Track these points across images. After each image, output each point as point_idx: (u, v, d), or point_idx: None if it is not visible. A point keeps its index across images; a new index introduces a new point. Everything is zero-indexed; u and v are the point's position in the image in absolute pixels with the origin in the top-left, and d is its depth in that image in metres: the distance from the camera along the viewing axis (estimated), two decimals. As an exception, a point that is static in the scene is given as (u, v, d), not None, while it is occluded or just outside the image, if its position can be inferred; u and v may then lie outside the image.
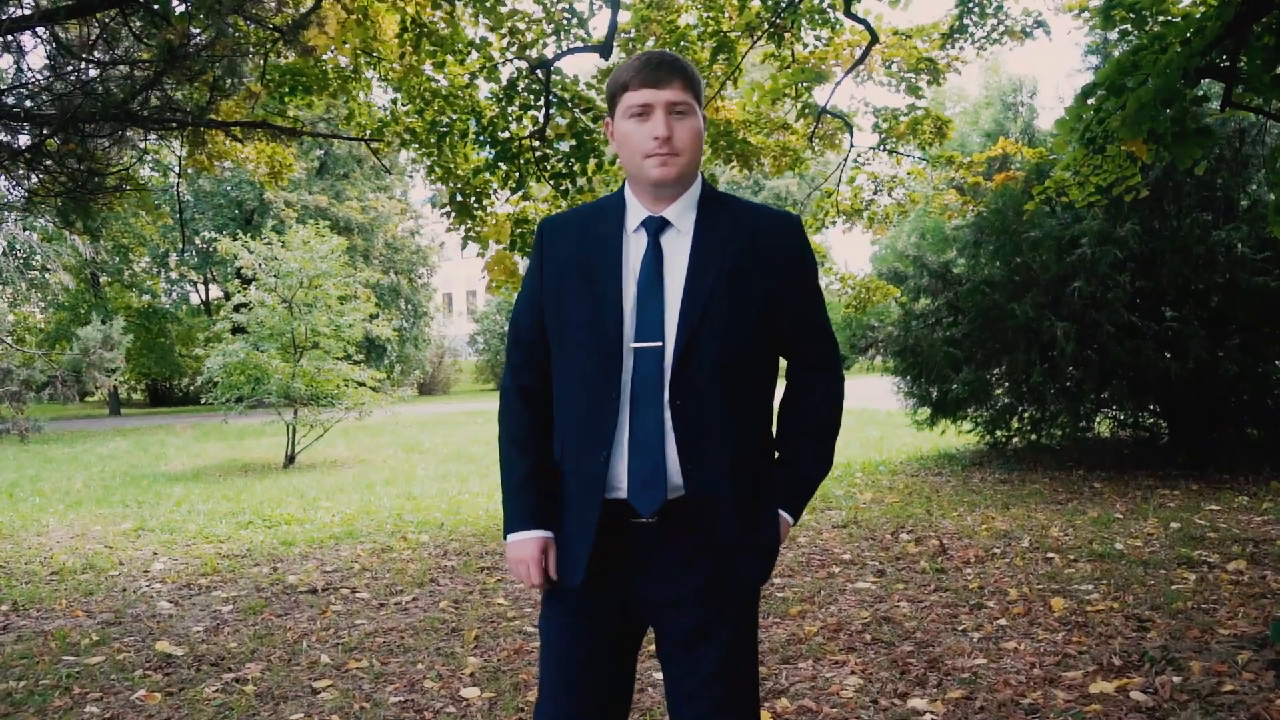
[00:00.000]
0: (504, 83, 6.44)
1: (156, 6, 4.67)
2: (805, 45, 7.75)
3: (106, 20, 4.92)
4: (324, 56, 6.62)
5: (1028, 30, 7.63)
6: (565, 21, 6.27)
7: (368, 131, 7.28)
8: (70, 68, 5.05)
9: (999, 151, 8.56)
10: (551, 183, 6.57)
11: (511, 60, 6.46)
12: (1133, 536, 5.31)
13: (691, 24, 7.11)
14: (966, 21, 7.64)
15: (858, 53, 8.15)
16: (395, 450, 12.89)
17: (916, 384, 8.71)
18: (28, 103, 5.13)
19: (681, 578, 1.66)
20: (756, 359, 1.69)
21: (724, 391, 1.63)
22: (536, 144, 6.54)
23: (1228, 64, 4.14)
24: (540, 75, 6.33)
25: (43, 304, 24.46)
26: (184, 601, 4.82)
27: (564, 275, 1.71)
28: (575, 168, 6.45)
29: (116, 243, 23.70)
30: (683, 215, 1.70)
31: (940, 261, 8.83)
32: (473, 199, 6.80)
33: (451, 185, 6.79)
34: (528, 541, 1.70)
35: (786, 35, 7.26)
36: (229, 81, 5.24)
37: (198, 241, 27.41)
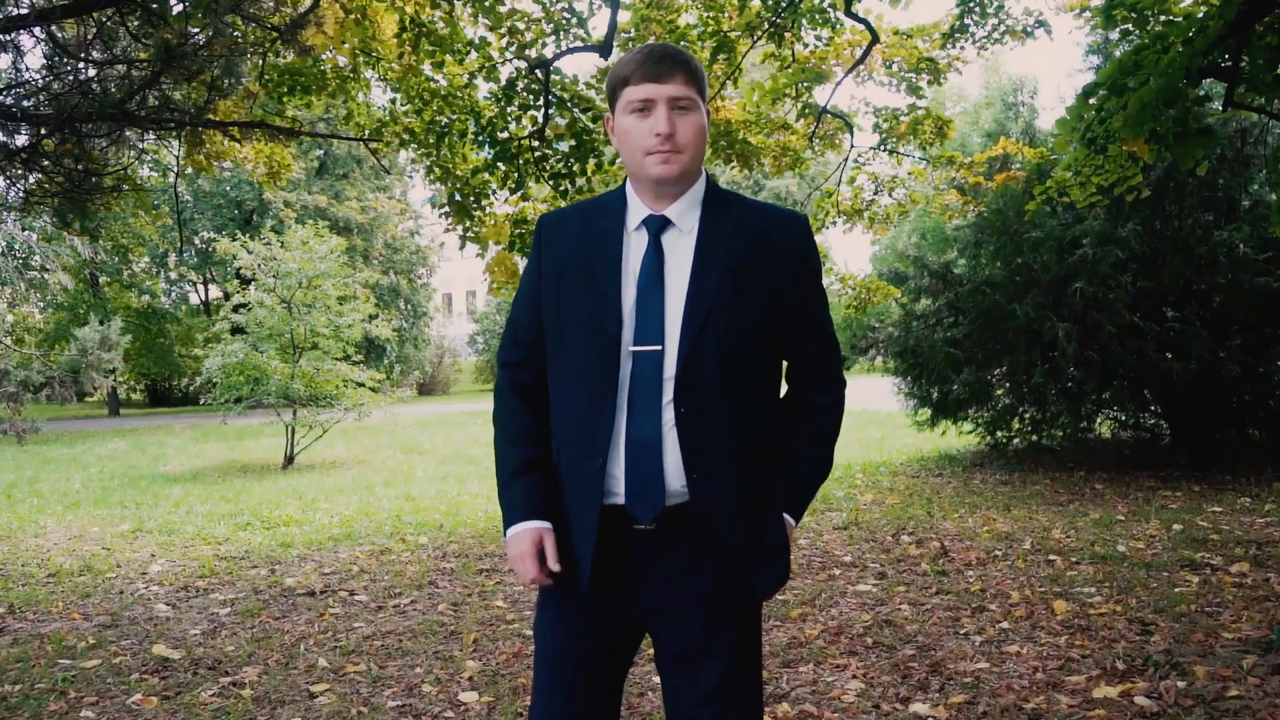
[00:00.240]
0: (503, 83, 6.42)
1: (155, 6, 4.64)
2: (805, 45, 7.73)
3: (103, 20, 4.89)
4: (322, 56, 6.59)
5: (1029, 30, 7.61)
6: (565, 21, 6.25)
7: (366, 132, 7.25)
8: (67, 67, 5.02)
9: (1000, 151, 8.54)
10: (550, 183, 6.55)
11: (511, 60, 6.44)
12: (1135, 538, 5.28)
13: (691, 24, 7.08)
14: (967, 21, 7.62)
15: (858, 52, 8.13)
16: (394, 451, 12.87)
17: (917, 385, 8.69)
18: (25, 102, 5.11)
19: (683, 586, 1.62)
20: (760, 361, 1.65)
21: (727, 395, 1.59)
22: (536, 144, 6.52)
23: (1230, 64, 4.12)
24: (539, 75, 6.31)
25: (42, 304, 24.43)
26: (181, 604, 4.80)
27: (563, 273, 1.67)
28: (574, 168, 6.42)
29: (116, 243, 23.66)
30: (685, 214, 1.65)
31: (941, 262, 8.80)
32: (471, 199, 6.78)
33: (450, 185, 6.77)
34: (522, 534, 1.64)
35: (787, 35, 7.24)
36: (227, 81, 5.21)
37: (197, 242, 27.39)
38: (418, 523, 6.92)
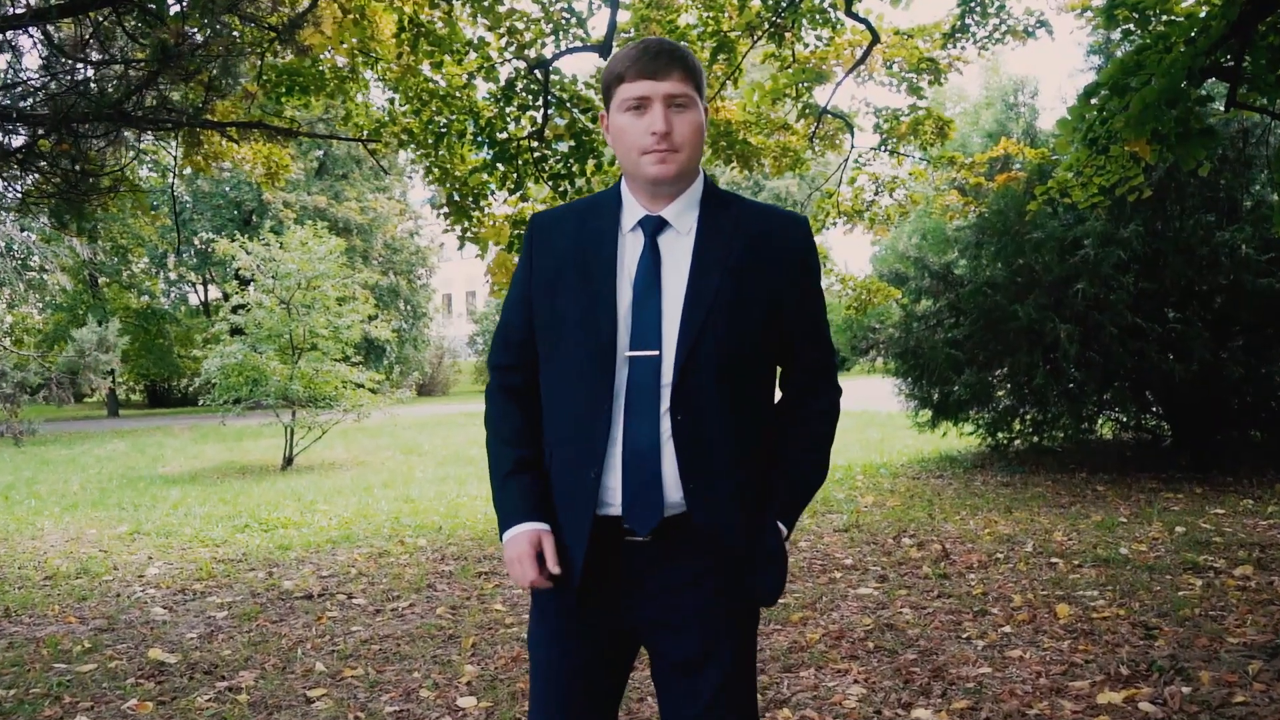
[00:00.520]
0: (502, 83, 6.39)
1: (152, 5, 4.61)
2: (806, 45, 7.70)
3: (100, 19, 4.86)
4: (321, 56, 6.57)
5: (1030, 30, 7.60)
6: (564, 21, 6.22)
7: (365, 132, 7.23)
8: (64, 67, 4.99)
9: (1001, 152, 8.52)
10: (550, 184, 6.52)
11: (510, 60, 6.41)
12: (1137, 541, 5.25)
13: (691, 24, 7.06)
14: (968, 21, 7.60)
15: (859, 52, 8.10)
16: (393, 452, 12.84)
17: (918, 386, 8.66)
18: (22, 103, 5.08)
19: (682, 598, 1.58)
20: (758, 364, 1.61)
21: (726, 400, 1.55)
22: (535, 145, 6.49)
23: (1232, 64, 4.09)
24: (539, 75, 6.28)
25: (41, 305, 24.40)
26: (178, 607, 4.77)
27: (556, 275, 1.62)
28: (574, 168, 6.40)
29: (115, 243, 23.64)
30: (682, 215, 1.60)
31: (942, 263, 8.78)
32: (470, 200, 6.75)
33: (448, 186, 6.74)
34: (519, 536, 1.59)
35: (787, 35, 7.22)
36: (225, 81, 5.19)
37: (196, 242, 27.36)
38: (416, 525, 6.90)
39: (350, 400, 11.48)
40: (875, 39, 7.75)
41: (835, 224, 9.91)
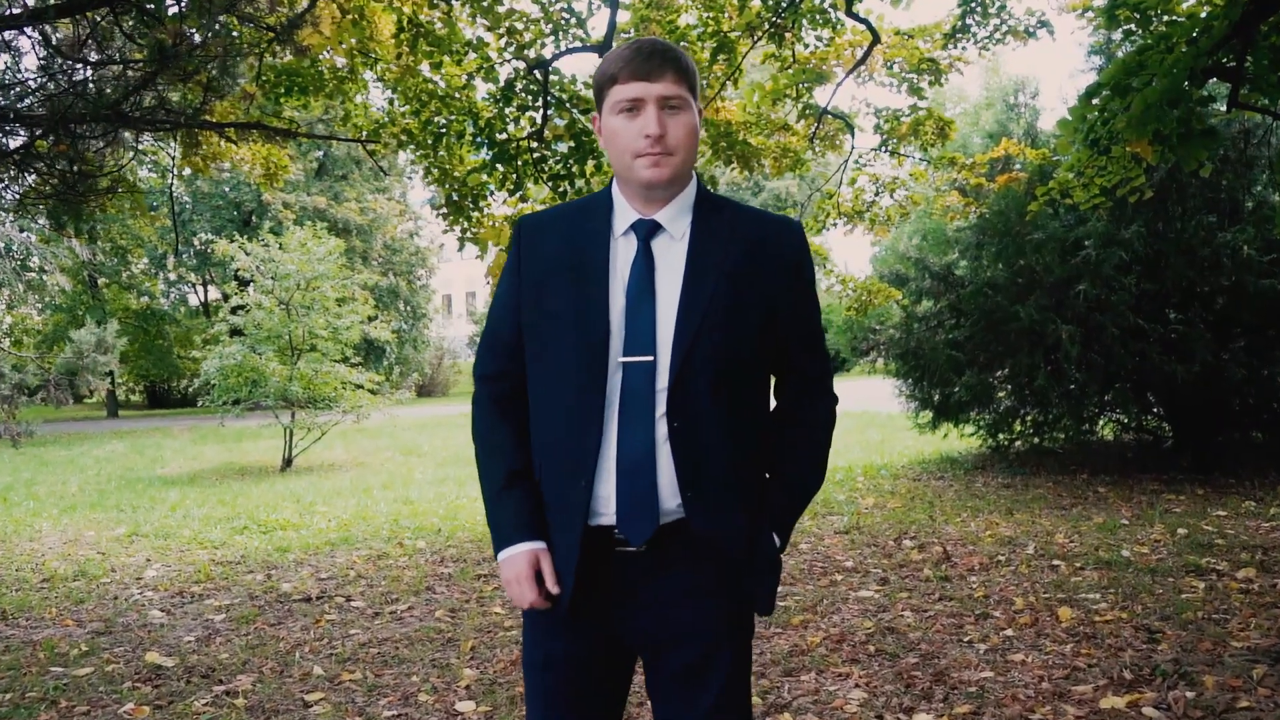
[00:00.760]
0: (501, 83, 6.37)
1: (150, 5, 4.60)
2: (806, 45, 7.69)
3: (97, 20, 4.84)
4: (320, 57, 6.55)
5: (1031, 30, 7.58)
6: (564, 21, 6.21)
7: (364, 133, 7.21)
8: (61, 68, 4.98)
9: (1001, 152, 8.51)
10: (549, 184, 6.50)
11: (509, 60, 6.39)
12: (1139, 543, 5.23)
13: (691, 24, 7.04)
14: (969, 21, 7.59)
15: (859, 53, 8.09)
16: (393, 453, 12.82)
17: (918, 387, 8.65)
18: (20, 104, 5.06)
19: (678, 610, 1.55)
20: (754, 369, 1.58)
21: (723, 405, 1.52)
22: (534, 145, 6.47)
23: (1234, 64, 4.08)
24: (538, 75, 6.27)
25: (40, 306, 24.38)
26: (176, 610, 4.74)
27: (546, 279, 1.58)
28: (573, 169, 6.38)
29: (114, 244, 23.63)
30: (676, 219, 1.57)
31: (942, 264, 8.76)
32: (469, 200, 6.74)
33: (447, 187, 6.73)
34: (517, 557, 1.55)
35: (787, 35, 7.20)
36: (223, 82, 5.17)
37: (195, 243, 27.34)
38: (415, 527, 6.87)
39: (349, 401, 11.46)
40: (876, 39, 7.73)
41: (835, 225, 9.90)
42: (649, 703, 3.27)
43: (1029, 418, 8.27)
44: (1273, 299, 6.75)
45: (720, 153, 8.12)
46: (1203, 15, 4.00)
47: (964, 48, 7.94)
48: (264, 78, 6.18)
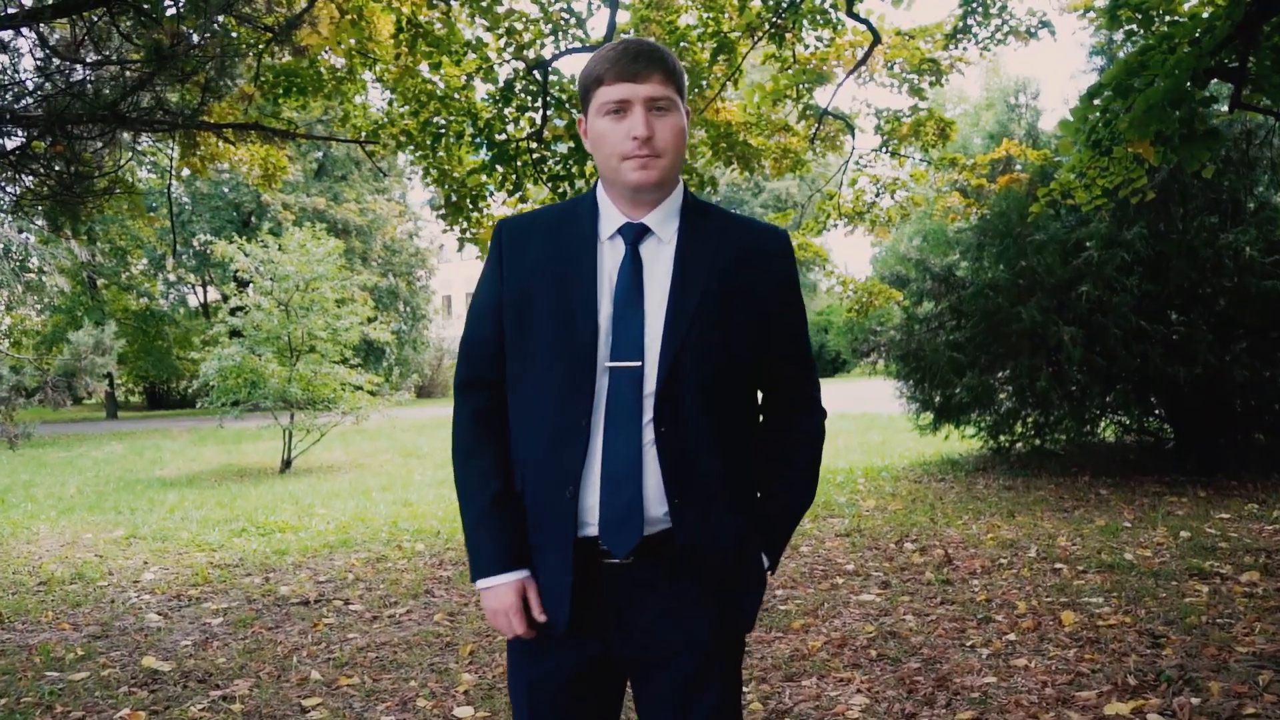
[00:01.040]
0: (501, 84, 6.35)
1: (147, 6, 4.57)
2: (806, 46, 7.67)
3: (94, 20, 4.82)
4: (318, 57, 6.53)
5: (1032, 30, 7.56)
6: (563, 21, 6.18)
7: (363, 134, 7.19)
8: (58, 67, 4.95)
9: (1003, 153, 8.48)
10: (549, 185, 6.48)
11: (509, 61, 6.37)
12: (1142, 546, 5.20)
13: (691, 24, 7.02)
14: (970, 22, 7.56)
15: (860, 53, 8.07)
16: (392, 455, 12.79)
17: (919, 388, 8.62)
18: (17, 104, 5.03)
19: (667, 629, 1.50)
20: (741, 375, 1.55)
21: (711, 413, 1.49)
22: (534, 146, 6.45)
23: (1237, 64, 4.05)
24: (538, 76, 6.24)
25: (39, 307, 24.35)
26: (173, 613, 4.72)
27: (529, 285, 1.53)
28: (573, 170, 6.36)
29: (114, 245, 23.61)
30: (664, 223, 1.53)
31: (943, 265, 8.74)
32: (468, 201, 6.71)
33: (446, 188, 6.70)
34: (503, 588, 1.50)
35: (788, 36, 7.18)
36: (221, 82, 5.14)
37: (195, 244, 27.32)
38: (414, 529, 6.85)
39: (349, 403, 11.43)
40: (876, 40, 7.71)
41: (836, 225, 9.87)
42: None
43: (1030, 419, 8.25)
44: (1275, 300, 6.73)
45: (720, 153, 8.10)
46: (1205, 15, 3.98)
47: (965, 48, 7.92)
48: (262, 78, 6.16)
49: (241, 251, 11.51)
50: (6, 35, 4.74)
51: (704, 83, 7.32)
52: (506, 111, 6.38)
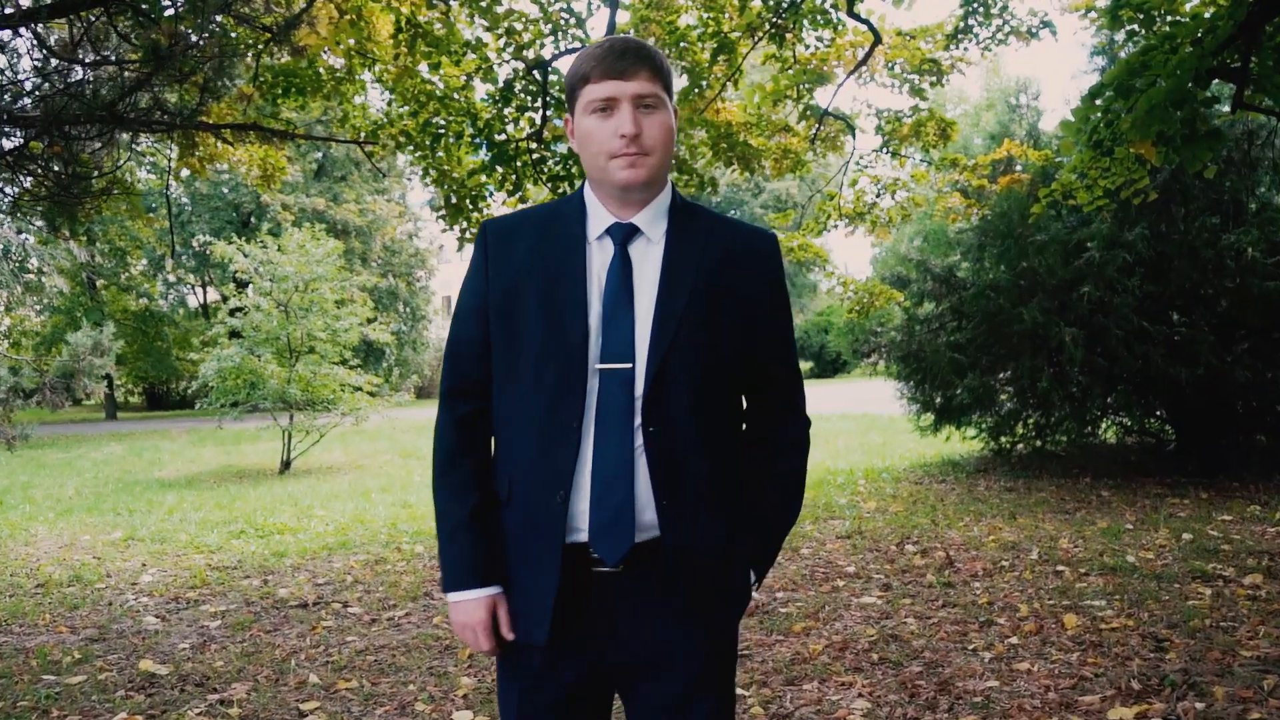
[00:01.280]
0: (500, 84, 6.33)
1: (144, 6, 4.55)
2: (807, 46, 7.65)
3: (92, 20, 4.80)
4: (317, 57, 6.51)
5: (1033, 31, 7.54)
6: (563, 21, 6.16)
7: (362, 134, 7.16)
8: (56, 68, 4.92)
9: (1004, 154, 8.46)
10: (549, 185, 6.46)
11: (508, 61, 6.35)
12: (1144, 548, 5.18)
13: (691, 24, 7.00)
14: (971, 22, 7.55)
15: (860, 53, 8.05)
16: (392, 456, 12.77)
17: (920, 389, 8.60)
18: (15, 105, 5.01)
19: (658, 639, 1.48)
20: (730, 376, 1.53)
21: (700, 414, 1.47)
22: (533, 146, 6.43)
23: (1239, 65, 4.03)
24: (537, 76, 6.22)
25: (39, 308, 24.33)
26: (171, 616, 4.69)
27: (515, 287, 1.50)
28: (573, 170, 6.34)
29: (113, 246, 23.58)
30: (653, 223, 1.51)
31: (944, 265, 8.72)
32: (468, 201, 6.69)
33: (446, 188, 6.68)
34: (473, 603, 1.49)
35: (788, 36, 7.16)
36: (219, 83, 5.13)
37: (194, 244, 27.30)
38: (414, 531, 6.82)
39: (348, 404, 11.41)
40: (877, 40, 7.69)
41: (836, 226, 9.86)
42: None
43: (1031, 420, 8.23)
44: (1277, 301, 6.70)
45: (721, 154, 8.08)
46: (1207, 15, 3.96)
47: (966, 48, 7.90)
48: (261, 78, 6.14)
49: (241, 252, 11.49)
50: (4, 35, 4.73)
51: (704, 83, 7.30)
52: (506, 112, 6.37)
